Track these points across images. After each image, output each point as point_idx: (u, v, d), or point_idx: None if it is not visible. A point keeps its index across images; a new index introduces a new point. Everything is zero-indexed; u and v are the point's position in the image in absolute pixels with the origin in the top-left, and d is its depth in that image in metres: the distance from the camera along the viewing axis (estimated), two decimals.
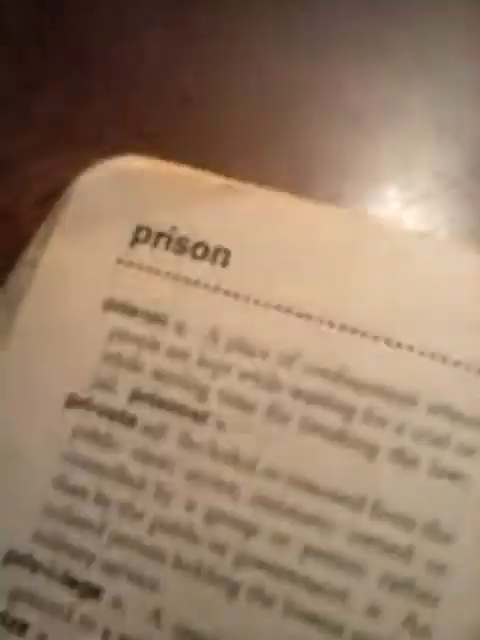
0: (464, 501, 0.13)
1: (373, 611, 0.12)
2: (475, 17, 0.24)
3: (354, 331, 0.14)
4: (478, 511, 0.13)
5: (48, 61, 0.23)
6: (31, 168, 0.21)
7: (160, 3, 0.24)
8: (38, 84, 0.22)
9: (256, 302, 0.14)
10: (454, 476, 0.13)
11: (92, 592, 0.13)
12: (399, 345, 0.13)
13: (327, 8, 0.24)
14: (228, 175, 0.16)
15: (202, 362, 0.14)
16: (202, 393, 0.14)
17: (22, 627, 0.13)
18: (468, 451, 0.13)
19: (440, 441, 0.13)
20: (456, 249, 0.14)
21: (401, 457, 0.13)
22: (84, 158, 0.17)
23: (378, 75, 0.23)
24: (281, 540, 0.13)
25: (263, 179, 0.20)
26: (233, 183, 0.15)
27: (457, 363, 0.13)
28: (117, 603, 0.13)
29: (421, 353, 0.13)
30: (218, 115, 0.22)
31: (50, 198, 0.17)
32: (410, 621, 0.12)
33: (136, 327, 0.14)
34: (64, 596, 0.13)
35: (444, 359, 0.13)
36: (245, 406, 0.14)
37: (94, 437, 0.14)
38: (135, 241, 0.15)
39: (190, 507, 0.13)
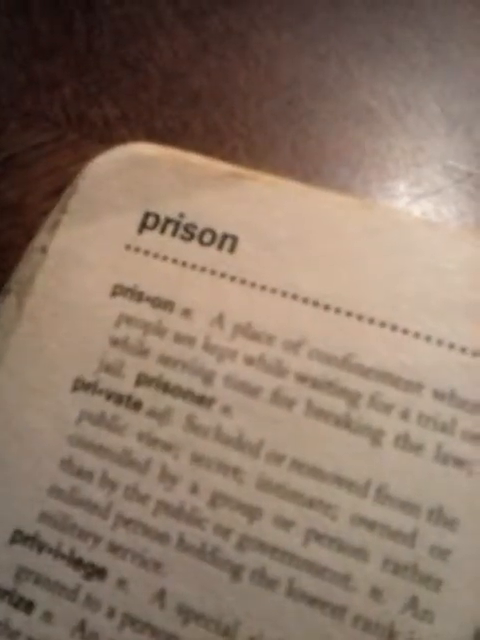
0: (468, 487, 0.13)
1: (375, 594, 0.12)
2: None
3: (360, 317, 0.14)
4: None
5: (62, 59, 0.23)
6: (43, 164, 0.21)
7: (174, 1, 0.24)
8: (52, 81, 0.23)
9: (263, 288, 0.14)
10: (459, 462, 0.13)
11: (97, 572, 0.13)
12: (405, 331, 0.14)
13: (337, 6, 0.24)
14: None
15: (208, 347, 0.14)
16: (208, 378, 0.14)
17: (28, 605, 0.13)
18: (473, 437, 0.13)
19: (445, 427, 0.13)
20: (463, 238, 0.14)
21: (406, 442, 0.13)
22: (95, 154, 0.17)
23: (389, 70, 0.23)
24: (285, 523, 0.13)
25: (274, 175, 0.21)
26: (241, 170, 0.15)
27: (463, 349, 0.13)
28: (122, 583, 0.13)
29: (427, 339, 0.13)
30: (229, 113, 0.22)
31: (60, 192, 0.18)
32: (412, 604, 0.12)
33: (143, 312, 0.14)
34: (70, 576, 0.13)
35: (451, 345, 0.13)
36: (250, 391, 0.14)
37: (100, 420, 0.14)
38: (143, 227, 0.15)
39: (194, 490, 0.13)
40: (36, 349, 0.14)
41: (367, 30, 0.24)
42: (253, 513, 0.13)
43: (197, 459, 0.13)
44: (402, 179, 0.21)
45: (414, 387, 0.13)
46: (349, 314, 0.14)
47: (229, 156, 0.21)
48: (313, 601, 0.12)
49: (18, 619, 0.13)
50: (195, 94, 0.22)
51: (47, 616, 0.13)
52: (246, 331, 0.14)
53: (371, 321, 0.14)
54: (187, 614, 0.13)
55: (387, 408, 0.13)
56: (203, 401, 0.14)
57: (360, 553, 0.13)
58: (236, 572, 0.13)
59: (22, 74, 0.22)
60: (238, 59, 0.23)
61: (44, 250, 0.15)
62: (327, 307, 0.14)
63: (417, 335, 0.13)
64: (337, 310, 0.14)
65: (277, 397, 0.13)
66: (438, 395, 0.13)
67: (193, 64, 0.23)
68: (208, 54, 0.23)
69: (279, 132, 0.22)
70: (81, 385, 0.14)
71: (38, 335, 0.14)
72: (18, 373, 0.14)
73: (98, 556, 0.13)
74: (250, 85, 0.23)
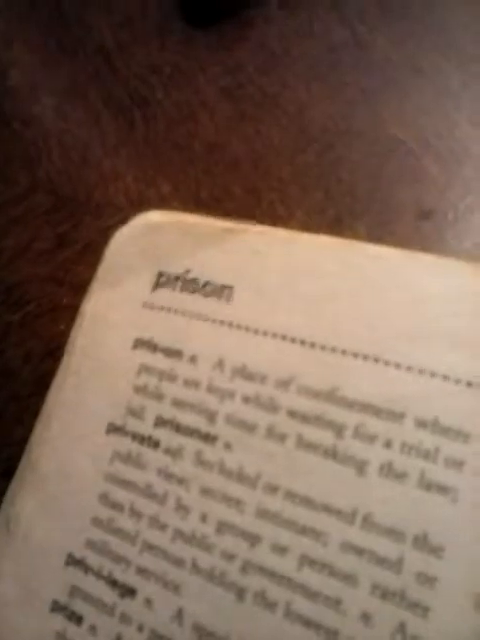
0: (453, 513, 0.13)
1: (365, 618, 0.13)
2: None
3: (344, 352, 0.14)
4: (467, 523, 0.13)
5: (125, 152, 0.26)
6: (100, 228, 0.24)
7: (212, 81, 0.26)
8: (117, 174, 0.25)
9: (256, 331, 0.15)
10: (442, 489, 0.13)
11: (129, 592, 0.15)
12: (387, 363, 0.14)
13: (364, 48, 0.25)
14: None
15: (211, 389, 0.15)
16: (211, 417, 0.15)
17: (79, 619, 0.16)
18: (456, 463, 0.13)
19: (428, 454, 0.13)
20: (441, 266, 0.14)
21: (390, 471, 0.13)
22: None
23: (417, 100, 0.23)
24: (281, 549, 0.14)
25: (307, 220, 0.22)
26: (234, 225, 0.16)
27: (445, 377, 0.13)
28: (148, 602, 0.15)
29: (408, 369, 0.14)
30: (265, 172, 0.24)
31: None
32: (401, 630, 0.13)
33: (158, 361, 0.16)
34: (108, 594, 0.15)
35: (432, 374, 0.13)
36: (248, 427, 0.15)
37: (128, 459, 0.16)
38: (156, 286, 0.17)
39: (204, 519, 0.15)
40: (78, 401, 0.17)
41: (394, 66, 0.24)
42: (253, 540, 0.14)
43: (205, 491, 0.15)
44: (438, 209, 0.21)
45: (396, 417, 0.13)
46: (334, 350, 0.14)
47: (267, 211, 0.23)
48: (308, 623, 0.13)
49: (71, 630, 0.15)
50: (235, 160, 0.24)
51: (92, 629, 0.15)
52: (242, 372, 0.15)
53: (354, 355, 0.14)
54: (200, 632, 0.14)
55: (371, 438, 0.14)
56: (208, 438, 0.15)
57: (350, 578, 0.13)
58: (240, 594, 0.14)
59: (95, 173, 0.25)
60: (272, 120, 0.24)
61: (82, 314, 0.17)
62: (313, 345, 0.15)
63: (398, 366, 0.14)
64: (322, 347, 0.14)
65: (271, 432, 0.14)
66: (420, 423, 0.13)
67: (232, 133, 0.25)
68: (245, 121, 0.25)
69: (312, 181, 0.23)
70: (113, 428, 0.16)
71: (80, 388, 0.17)
72: (66, 422, 0.17)
73: (129, 577, 0.15)
74: (283, 142, 0.24)
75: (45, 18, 0.28)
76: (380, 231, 0.22)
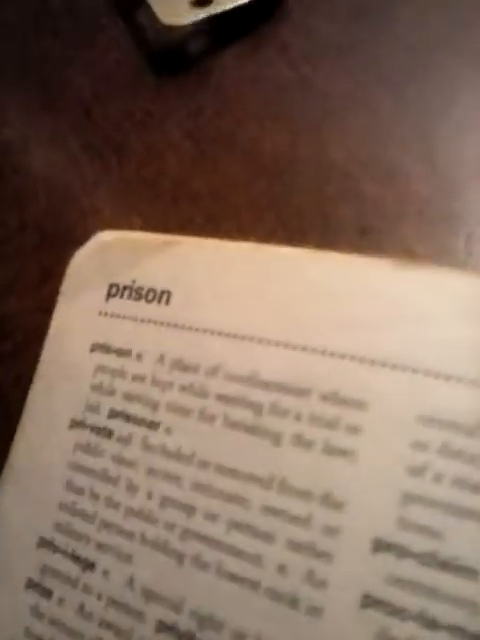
0: (352, 473, 0.14)
1: (281, 570, 0.15)
2: None
3: (261, 341, 0.16)
4: (364, 480, 0.14)
5: (102, 191, 0.29)
6: None
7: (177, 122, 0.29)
8: (95, 210, 0.28)
9: (189, 328, 0.17)
10: (343, 452, 0.15)
11: (90, 566, 0.17)
12: (294, 347, 0.16)
13: (307, 84, 0.27)
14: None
15: (154, 381, 0.17)
16: (155, 406, 0.17)
17: (49, 594, 0.17)
18: (355, 429, 0.15)
19: (330, 423, 0.15)
20: (347, 262, 0.16)
21: (300, 440, 0.15)
22: None
23: (357, 129, 0.26)
24: (212, 517, 0.16)
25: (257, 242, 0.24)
26: (171, 238, 0.18)
27: (342, 356, 0.15)
28: (106, 573, 0.17)
29: (313, 351, 0.16)
30: (223, 202, 0.26)
31: None
32: (310, 576, 0.14)
33: (111, 361, 0.18)
34: (73, 569, 0.17)
35: (332, 354, 0.15)
36: (184, 412, 0.17)
37: (87, 448, 0.18)
38: (109, 296, 0.19)
39: (149, 496, 0.17)
40: (46, 400, 0.19)
41: (334, 99, 0.26)
42: (190, 510, 0.16)
43: (150, 471, 0.17)
44: (376, 222, 0.23)
45: (304, 392, 0.15)
46: (251, 339, 0.16)
47: (225, 237, 0.25)
48: (235, 579, 0.15)
49: (43, 605, 0.17)
50: (196, 194, 0.26)
51: (60, 601, 0.17)
52: (179, 365, 0.17)
53: (269, 342, 0.16)
54: (148, 595, 0.16)
55: (284, 413, 0.15)
56: (152, 425, 0.17)
57: (268, 536, 0.15)
58: (180, 559, 0.16)
59: (75, 210, 0.28)
60: (228, 155, 0.27)
61: (50, 326, 0.20)
62: (235, 336, 0.17)
63: (304, 348, 0.16)
64: (243, 337, 0.16)
65: (203, 415, 0.16)
66: (323, 397, 0.15)
67: (194, 169, 0.27)
68: (205, 158, 0.27)
69: (264, 207, 0.25)
70: (74, 423, 0.18)
71: (47, 389, 0.19)
72: (36, 421, 0.19)
73: (90, 553, 0.17)
74: (239, 174, 0.26)
75: (32, 80, 0.32)
76: (326, 247, 0.24)
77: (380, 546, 0.14)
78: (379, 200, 0.24)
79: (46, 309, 0.27)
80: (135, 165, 0.29)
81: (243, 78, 0.29)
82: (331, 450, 0.15)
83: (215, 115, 0.29)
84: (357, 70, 0.27)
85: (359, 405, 0.15)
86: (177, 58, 0.30)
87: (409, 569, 0.13)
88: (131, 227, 0.26)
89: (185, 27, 0.28)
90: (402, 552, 0.14)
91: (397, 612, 0.13)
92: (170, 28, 0.28)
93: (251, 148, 0.27)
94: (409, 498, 0.14)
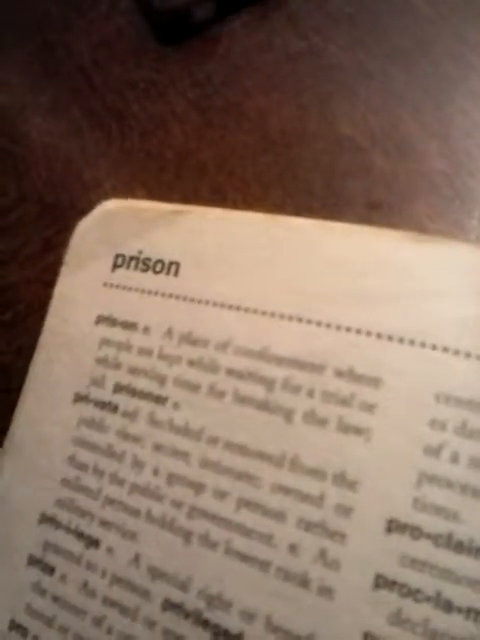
0: (367, 451, 0.14)
1: (292, 549, 0.14)
2: None
3: (273, 315, 0.16)
4: (378, 459, 0.14)
5: (103, 162, 0.28)
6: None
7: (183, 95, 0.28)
8: (97, 182, 0.27)
9: (199, 301, 0.17)
10: (357, 430, 0.14)
11: (94, 543, 0.17)
12: (308, 321, 0.15)
13: (319, 56, 0.26)
14: None
15: (161, 356, 0.17)
16: (162, 380, 0.17)
17: (51, 570, 0.17)
18: (369, 407, 0.14)
19: (345, 400, 0.14)
20: (352, 232, 0.15)
21: (313, 417, 0.15)
22: None
23: (367, 100, 0.25)
24: (221, 494, 0.15)
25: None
26: (180, 207, 0.18)
27: (358, 331, 0.15)
28: (110, 551, 0.16)
29: (327, 326, 0.15)
30: (230, 173, 0.25)
31: None
32: (322, 556, 0.14)
33: (116, 334, 0.18)
34: (76, 546, 0.17)
35: (347, 329, 0.15)
36: (192, 387, 0.16)
37: (91, 423, 0.17)
38: (115, 266, 0.18)
39: (156, 472, 0.16)
40: (48, 373, 0.18)
41: (345, 71, 0.25)
42: (198, 488, 0.15)
43: (157, 447, 0.16)
44: (385, 199, 0.23)
45: (317, 368, 0.15)
46: (264, 313, 0.16)
47: (232, 209, 0.24)
48: (245, 558, 0.15)
49: (45, 581, 0.17)
50: (202, 165, 0.26)
51: (63, 578, 0.17)
52: (188, 339, 0.17)
53: (281, 316, 0.16)
54: (154, 573, 0.16)
55: (296, 389, 0.15)
56: (159, 400, 0.17)
57: (279, 515, 0.14)
58: (187, 537, 0.15)
59: (77, 182, 0.27)
60: (235, 126, 0.26)
61: (53, 296, 0.19)
62: (246, 309, 0.16)
63: (319, 323, 0.15)
64: (254, 311, 0.16)
65: (212, 390, 0.16)
66: (338, 373, 0.15)
67: (200, 140, 0.26)
68: (212, 129, 0.26)
69: (272, 180, 0.24)
70: (78, 397, 0.18)
71: (48, 362, 0.18)
72: (38, 394, 0.19)
73: (94, 529, 0.17)
74: (246, 146, 0.25)
75: (31, 45, 0.31)
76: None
77: (394, 526, 0.13)
78: (390, 175, 0.24)
79: (47, 281, 0.26)
80: (138, 135, 0.28)
81: (251, 47, 0.28)
82: (345, 428, 0.14)
83: (222, 85, 0.28)
84: (369, 41, 0.26)
85: (374, 382, 0.14)
86: (182, 25, 0.29)
87: (424, 550, 0.13)
88: (135, 199, 0.26)
89: None
90: (417, 533, 0.13)
91: (411, 593, 0.13)
92: None
93: (259, 120, 0.27)
94: (425, 478, 0.13)
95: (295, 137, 0.26)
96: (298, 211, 0.24)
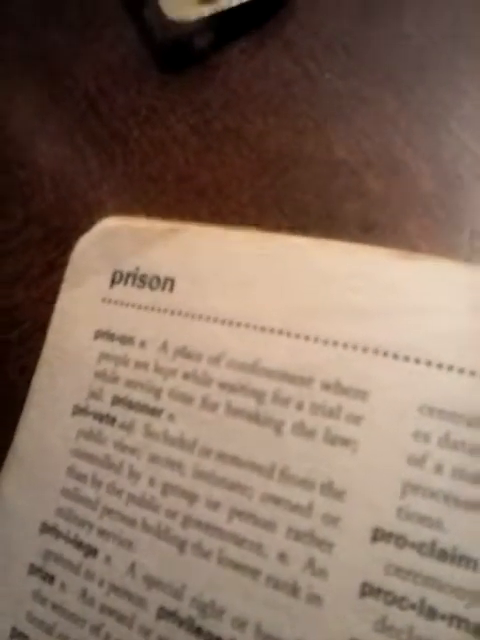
0: (353, 462, 0.14)
1: (282, 558, 0.14)
2: None
3: (263, 329, 0.16)
4: (365, 469, 0.14)
5: (106, 186, 0.28)
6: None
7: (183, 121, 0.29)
8: (100, 204, 0.28)
9: (193, 316, 0.17)
10: (345, 441, 0.14)
11: (92, 552, 0.17)
12: (297, 336, 0.15)
13: (313, 81, 0.27)
14: None
15: (157, 369, 0.17)
16: (157, 393, 0.17)
17: (51, 579, 0.17)
18: (356, 418, 0.14)
19: (332, 412, 0.15)
20: (343, 250, 0.16)
21: (302, 429, 0.15)
22: None
23: (361, 126, 0.25)
24: (214, 504, 0.15)
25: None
26: (175, 225, 0.18)
27: (345, 345, 0.15)
28: (108, 559, 0.16)
29: (315, 340, 0.15)
30: (228, 197, 0.25)
31: None
32: (310, 564, 0.14)
33: (114, 348, 0.18)
34: (75, 555, 0.17)
35: (334, 343, 0.15)
36: (186, 399, 0.16)
37: (90, 435, 0.18)
38: (113, 282, 0.19)
39: (151, 483, 0.16)
40: (50, 387, 0.19)
41: (340, 97, 0.26)
42: (192, 498, 0.16)
43: (153, 458, 0.16)
44: (379, 219, 0.23)
45: (306, 381, 0.15)
46: (255, 327, 0.16)
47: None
48: (236, 566, 0.15)
49: (45, 589, 0.17)
50: (202, 189, 0.26)
51: (62, 586, 0.17)
52: (183, 352, 0.17)
53: (271, 330, 0.16)
54: (150, 582, 0.16)
55: (286, 401, 0.15)
56: (155, 412, 0.17)
57: (269, 525, 0.15)
58: (181, 546, 0.15)
59: (81, 204, 0.28)
60: (234, 151, 0.26)
61: (54, 312, 0.19)
62: (239, 324, 0.16)
63: (307, 337, 0.15)
64: (246, 325, 0.16)
65: (205, 402, 0.16)
66: (325, 386, 0.15)
67: (200, 164, 0.26)
68: (211, 153, 0.27)
69: (268, 202, 0.25)
70: (78, 410, 0.18)
71: (50, 375, 0.19)
72: (40, 408, 0.19)
73: (92, 539, 0.17)
74: (244, 169, 0.26)
75: (39, 73, 0.31)
76: None
77: (380, 535, 0.13)
78: (383, 197, 0.24)
79: (51, 300, 0.26)
80: (140, 160, 0.28)
81: (248, 74, 0.29)
82: (332, 439, 0.14)
83: (221, 110, 0.28)
84: (362, 68, 0.27)
85: (360, 394, 0.14)
86: (183, 53, 0.29)
87: (409, 558, 0.13)
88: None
89: (191, 23, 0.28)
90: (402, 541, 0.13)
91: (396, 601, 0.13)
92: (176, 23, 0.28)
93: (256, 143, 0.27)
94: (409, 488, 0.14)
95: (291, 160, 0.26)
96: (294, 232, 0.24)
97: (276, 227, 0.25)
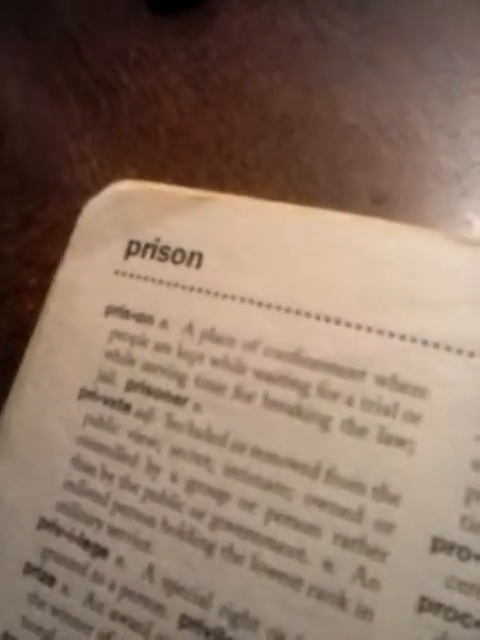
0: (410, 464, 0.13)
1: (327, 566, 0.13)
2: None
3: (308, 315, 0.15)
4: (422, 473, 0.13)
5: (90, 137, 0.26)
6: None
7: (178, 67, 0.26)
8: (83, 157, 0.25)
9: (224, 296, 0.15)
10: (401, 442, 0.13)
11: (101, 552, 0.15)
12: (347, 324, 0.14)
13: (324, 40, 0.25)
14: None
15: (181, 353, 0.15)
16: (181, 380, 0.15)
17: (51, 580, 0.16)
18: (414, 418, 0.13)
19: (387, 410, 0.13)
20: (394, 230, 0.14)
21: (352, 426, 0.14)
22: None
23: (371, 88, 0.24)
24: (248, 505, 0.14)
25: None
26: (202, 193, 0.16)
27: (402, 337, 0.14)
28: (120, 561, 0.15)
29: (368, 329, 0.14)
30: (228, 157, 0.24)
31: None
32: (360, 574, 0.13)
33: (129, 327, 0.16)
34: (80, 555, 0.15)
35: (390, 334, 0.14)
36: (216, 388, 0.15)
37: (100, 422, 0.16)
38: (128, 254, 0.17)
39: (174, 479, 0.15)
40: (50, 364, 0.17)
41: (351, 57, 0.24)
42: (222, 497, 0.14)
43: (175, 451, 0.15)
44: (391, 190, 0.22)
45: (357, 375, 0.14)
46: (297, 312, 0.15)
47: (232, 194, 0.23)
48: (273, 573, 0.14)
49: (44, 591, 0.15)
50: (199, 145, 0.24)
51: (64, 589, 0.15)
52: (211, 336, 0.15)
53: (317, 317, 0.14)
54: (171, 587, 0.14)
55: (334, 396, 0.14)
56: (178, 400, 0.15)
57: (313, 530, 0.13)
58: (209, 549, 0.14)
59: (61, 156, 0.25)
60: (234, 106, 0.25)
61: (55, 281, 0.17)
62: (278, 307, 0.15)
63: (358, 326, 0.14)
64: (287, 309, 0.15)
65: (238, 392, 0.15)
66: (380, 380, 0.14)
67: (196, 118, 0.25)
68: (208, 107, 0.25)
69: (273, 166, 0.23)
70: (85, 393, 0.16)
71: (51, 352, 0.17)
72: (38, 387, 0.17)
73: (101, 538, 0.15)
74: (246, 128, 0.24)
75: (13, 7, 0.28)
76: None
77: (440, 546, 0.13)
78: (396, 167, 0.23)
79: (27, 261, 0.24)
80: (128, 110, 0.26)
81: (252, 24, 0.26)
82: (387, 439, 0.13)
83: (219, 61, 0.26)
84: (377, 29, 0.25)
85: (419, 391, 0.13)
86: None
87: (473, 572, 0.12)
88: (125, 177, 0.24)
89: None
90: (465, 553, 0.12)
91: (458, 617, 0.12)
92: None
93: (260, 101, 0.25)
94: (474, 495, 0.13)
95: (298, 122, 0.24)
96: (300, 200, 0.22)
97: (282, 194, 0.23)
